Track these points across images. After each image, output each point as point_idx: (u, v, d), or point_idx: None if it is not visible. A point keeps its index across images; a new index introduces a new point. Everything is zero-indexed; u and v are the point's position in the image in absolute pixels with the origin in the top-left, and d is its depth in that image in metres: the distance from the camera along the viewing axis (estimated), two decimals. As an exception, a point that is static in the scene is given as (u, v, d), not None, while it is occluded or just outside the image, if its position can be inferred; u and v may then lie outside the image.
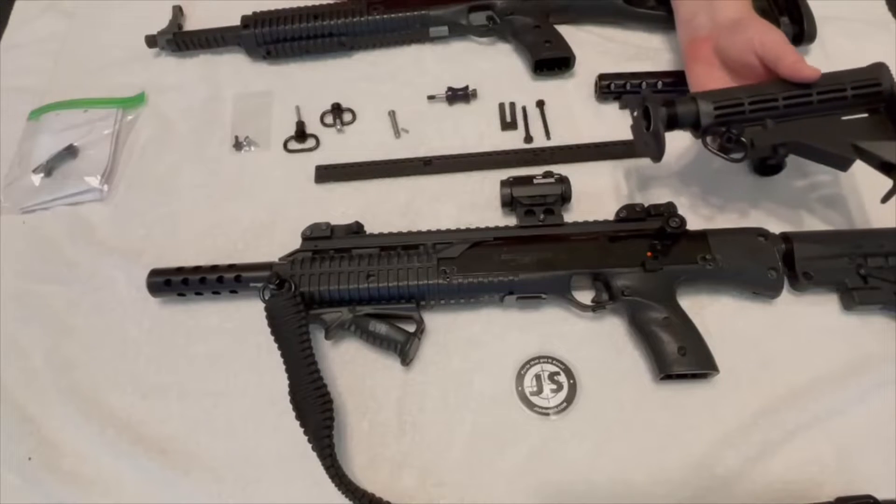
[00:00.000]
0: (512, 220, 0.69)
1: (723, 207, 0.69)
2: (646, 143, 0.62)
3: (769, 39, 0.61)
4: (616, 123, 0.76)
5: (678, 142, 0.74)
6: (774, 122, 0.59)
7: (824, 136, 0.59)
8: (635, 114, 0.63)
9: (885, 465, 0.56)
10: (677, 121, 0.60)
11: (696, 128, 0.60)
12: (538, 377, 0.62)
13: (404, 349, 0.62)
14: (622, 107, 0.77)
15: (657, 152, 0.61)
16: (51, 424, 0.65)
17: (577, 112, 0.78)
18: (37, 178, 0.79)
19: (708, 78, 0.65)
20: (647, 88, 0.72)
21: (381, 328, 0.63)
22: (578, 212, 0.69)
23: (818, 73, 0.58)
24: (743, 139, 0.59)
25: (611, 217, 0.66)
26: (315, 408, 0.58)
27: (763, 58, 0.61)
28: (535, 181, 0.67)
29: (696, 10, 0.69)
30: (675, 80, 0.75)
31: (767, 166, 0.70)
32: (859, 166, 0.58)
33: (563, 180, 0.67)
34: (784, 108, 0.59)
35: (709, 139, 0.61)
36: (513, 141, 0.77)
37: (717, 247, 0.62)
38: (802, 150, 0.60)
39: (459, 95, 0.80)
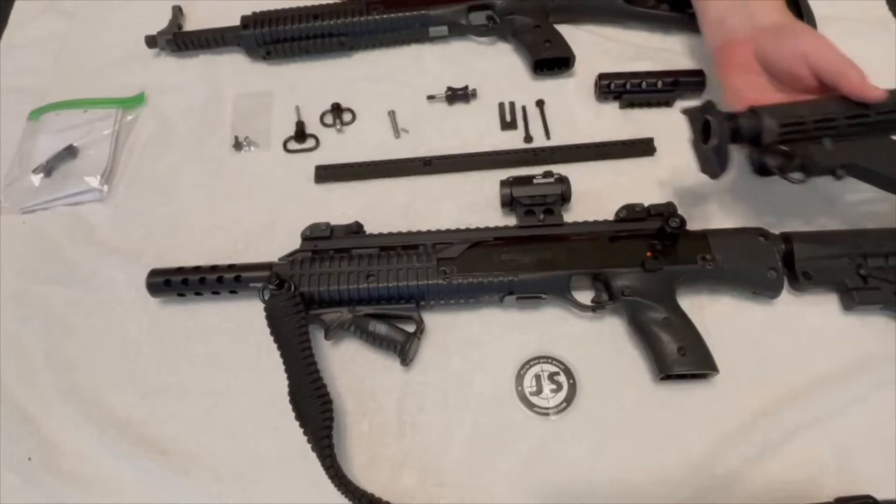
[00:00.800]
0: (512, 220, 0.68)
1: (723, 207, 0.69)
2: (706, 159, 0.60)
3: (825, 53, 0.58)
4: (616, 123, 0.77)
5: (678, 143, 0.74)
6: (832, 141, 0.56)
7: (883, 159, 0.57)
8: (695, 127, 0.60)
9: (885, 465, 0.56)
10: (739, 135, 0.58)
11: (756, 143, 0.58)
12: (538, 377, 0.62)
13: (404, 349, 0.62)
14: (622, 106, 0.77)
15: (719, 168, 0.59)
16: (51, 424, 0.65)
17: (576, 112, 0.78)
18: (37, 179, 0.79)
19: (747, 84, 0.63)
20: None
21: (380, 328, 0.63)
22: (578, 212, 0.69)
23: (885, 94, 0.56)
24: (804, 160, 0.56)
25: (611, 217, 0.66)
26: (315, 408, 0.58)
27: (819, 72, 0.58)
28: (534, 181, 0.67)
29: (727, 10, 0.66)
30: (676, 80, 0.75)
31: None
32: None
33: (563, 180, 0.67)
34: (846, 127, 0.56)
35: (771, 159, 0.58)
36: (512, 141, 0.77)
37: (717, 247, 0.62)
38: (860, 173, 0.58)
39: (459, 95, 0.80)
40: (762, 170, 0.70)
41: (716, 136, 0.57)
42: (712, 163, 0.59)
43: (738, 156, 0.72)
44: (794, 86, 0.61)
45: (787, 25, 0.63)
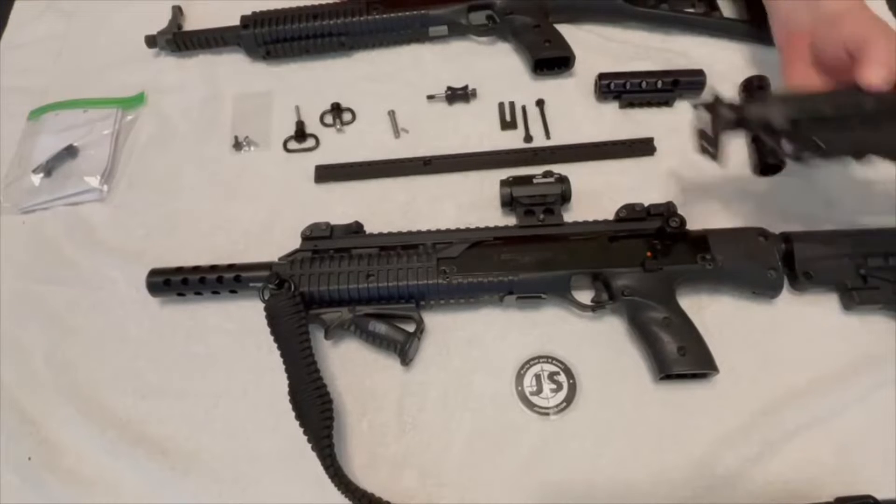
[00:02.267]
0: (512, 220, 0.68)
1: (723, 207, 0.69)
2: (703, 148, 0.60)
3: (859, 33, 0.54)
4: (616, 123, 0.76)
5: (678, 143, 0.74)
6: (852, 129, 0.55)
7: None
8: (701, 112, 0.59)
9: (885, 465, 0.56)
10: (746, 123, 0.57)
11: (770, 132, 0.57)
12: (538, 377, 0.62)
13: (404, 349, 0.62)
14: (622, 106, 0.77)
15: (714, 154, 0.58)
16: (51, 424, 0.65)
17: (576, 112, 0.78)
18: (37, 179, 0.79)
19: (797, 73, 0.62)
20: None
21: (380, 328, 0.63)
22: (578, 212, 0.69)
23: (886, 82, 0.51)
24: (821, 145, 0.55)
25: (611, 217, 0.66)
26: (315, 408, 0.58)
27: (851, 54, 0.55)
28: (534, 181, 0.67)
29: (796, 8, 0.64)
30: (676, 80, 0.75)
31: (768, 166, 0.70)
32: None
33: (563, 180, 0.67)
34: (860, 118, 0.54)
35: (786, 145, 0.57)
36: (512, 140, 0.77)
37: (717, 247, 0.62)
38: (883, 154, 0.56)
39: (459, 95, 0.80)
40: (762, 169, 0.70)
41: (716, 124, 0.57)
42: (709, 150, 0.59)
43: (738, 155, 0.73)
44: (842, 74, 0.57)
45: (847, 14, 0.58)
